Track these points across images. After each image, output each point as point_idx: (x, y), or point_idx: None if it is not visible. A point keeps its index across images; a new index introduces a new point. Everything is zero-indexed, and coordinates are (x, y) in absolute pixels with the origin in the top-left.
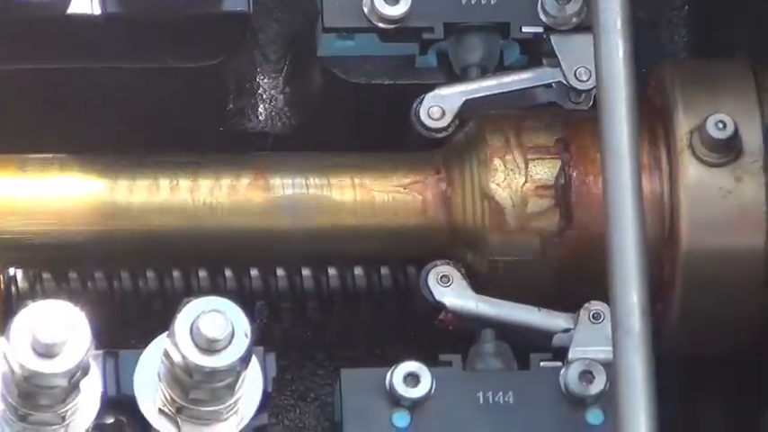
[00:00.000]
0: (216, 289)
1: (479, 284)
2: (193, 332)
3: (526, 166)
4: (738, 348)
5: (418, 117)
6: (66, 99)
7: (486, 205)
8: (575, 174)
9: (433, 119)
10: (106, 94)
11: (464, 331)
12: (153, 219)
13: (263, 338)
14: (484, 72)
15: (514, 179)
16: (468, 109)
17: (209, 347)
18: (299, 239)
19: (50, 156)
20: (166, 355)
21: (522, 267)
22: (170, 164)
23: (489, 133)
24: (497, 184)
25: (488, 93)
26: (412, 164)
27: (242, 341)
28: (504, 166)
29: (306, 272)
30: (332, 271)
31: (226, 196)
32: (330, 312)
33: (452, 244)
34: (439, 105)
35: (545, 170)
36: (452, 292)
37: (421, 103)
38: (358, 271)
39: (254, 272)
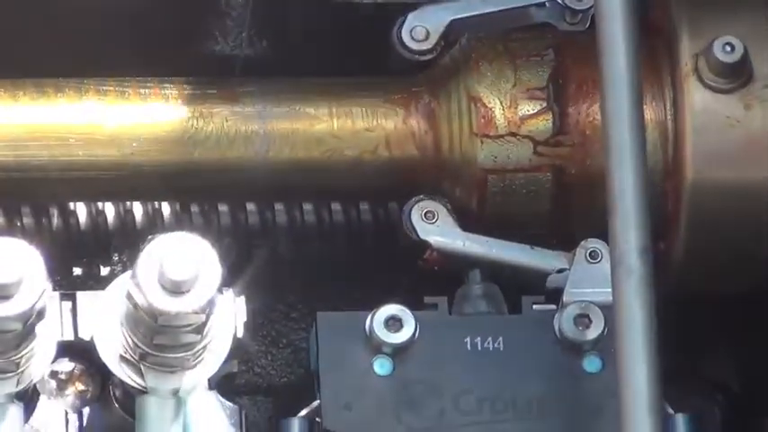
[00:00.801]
0: (181, 225)
1: (467, 222)
2: (158, 272)
3: (515, 70)
4: (747, 287)
5: (400, 38)
6: (22, 18)
7: (473, 110)
8: (568, 78)
9: (416, 40)
10: (64, 13)
11: (450, 272)
12: (112, 149)
13: (231, 279)
14: None
15: (503, 83)
16: (455, 30)
17: (176, 288)
18: (271, 172)
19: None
20: (129, 296)
21: (514, 193)
22: (130, 89)
23: (476, 42)
24: (485, 87)
25: (477, 11)
26: (395, 91)
27: (211, 281)
28: (492, 71)
29: (278, 207)
30: (306, 206)
31: (190, 125)
32: (304, 251)
33: (437, 177)
34: (423, 25)
35: (536, 74)
36: (438, 230)
37: (403, 23)
38: (334, 206)
39: (221, 207)
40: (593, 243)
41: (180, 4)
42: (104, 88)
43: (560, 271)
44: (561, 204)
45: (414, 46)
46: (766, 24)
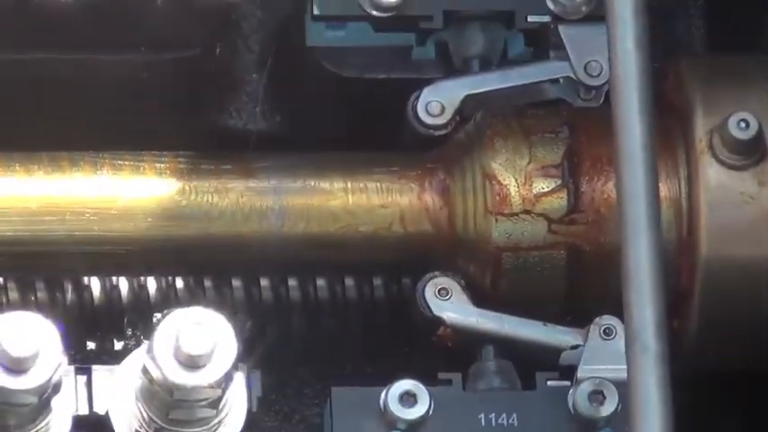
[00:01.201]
0: (195, 300)
1: (480, 297)
2: (174, 346)
3: (530, 147)
4: (760, 363)
5: (415, 112)
6: (33, 92)
7: (488, 187)
8: (583, 155)
9: (431, 115)
10: (77, 87)
11: (464, 348)
12: (127, 223)
13: (245, 354)
14: (486, 65)
15: (518, 160)
16: (470, 105)
17: (192, 363)
18: (285, 247)
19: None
20: (144, 371)
21: (528, 270)
22: (145, 163)
23: (491, 119)
24: (500, 164)
25: (492, 87)
26: (409, 166)
27: (227, 356)
28: (507, 147)
29: (292, 282)
30: (320, 281)
31: (204, 200)
32: (318, 326)
33: (451, 254)
34: (438, 100)
35: (550, 151)
36: (451, 306)
37: (418, 97)
38: (348, 281)
39: (235, 282)
40: (608, 320)
41: (194, 78)
42: (119, 162)
43: (574, 347)
44: (575, 281)
45: (429, 120)
46: None
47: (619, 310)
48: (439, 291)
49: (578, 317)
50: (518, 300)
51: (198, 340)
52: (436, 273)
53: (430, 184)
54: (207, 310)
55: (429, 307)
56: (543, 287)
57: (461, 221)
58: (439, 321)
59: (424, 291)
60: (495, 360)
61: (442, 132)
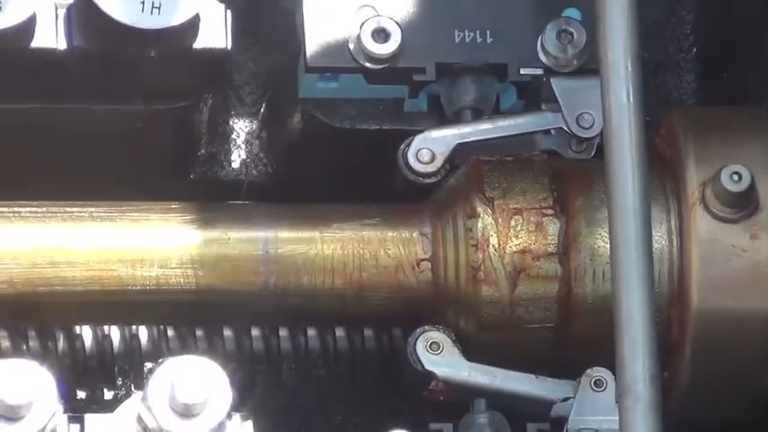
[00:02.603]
0: (186, 349)
1: (471, 350)
2: (169, 394)
3: (518, 233)
4: (751, 417)
5: (406, 160)
6: (25, 141)
7: (475, 269)
8: (570, 207)
9: (421, 162)
10: (69, 137)
11: (456, 401)
12: (118, 272)
13: (237, 404)
14: (478, 116)
15: (505, 248)
16: (461, 154)
17: (187, 412)
18: (275, 298)
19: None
20: (139, 419)
21: (518, 335)
22: (137, 213)
23: (477, 193)
24: (486, 254)
25: (483, 137)
26: (398, 218)
27: (221, 405)
28: (495, 233)
29: (282, 332)
30: (310, 332)
31: (196, 249)
32: (307, 377)
33: (441, 306)
34: (429, 148)
35: (538, 202)
36: (443, 361)
37: (409, 144)
38: (339, 332)
39: (226, 332)
40: (599, 371)
41: (187, 128)
42: (112, 212)
43: (565, 399)
44: (564, 333)
45: (419, 168)
46: None
47: (609, 361)
48: (430, 345)
49: (569, 368)
50: (508, 352)
51: (193, 388)
52: (427, 327)
53: (418, 235)
54: (202, 359)
55: (421, 362)
56: (532, 338)
57: (448, 281)
58: (431, 376)
59: (415, 345)
60: (486, 412)
61: (432, 180)
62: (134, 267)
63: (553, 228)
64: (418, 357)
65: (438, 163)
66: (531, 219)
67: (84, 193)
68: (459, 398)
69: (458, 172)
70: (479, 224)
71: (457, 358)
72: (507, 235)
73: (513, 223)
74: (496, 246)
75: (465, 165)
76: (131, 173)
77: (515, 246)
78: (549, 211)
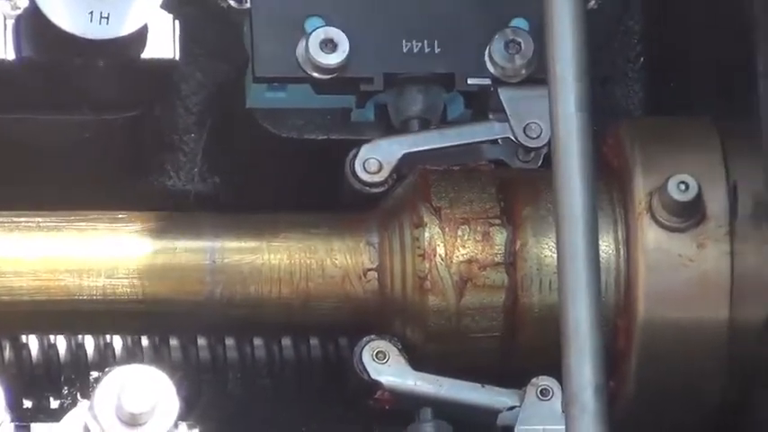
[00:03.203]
0: (132, 359)
1: (418, 359)
2: (116, 403)
3: (464, 243)
4: (697, 427)
5: (353, 169)
6: None
7: (422, 279)
8: (519, 244)
9: (368, 172)
10: (17, 147)
11: (402, 409)
12: (64, 282)
13: (184, 413)
14: (426, 125)
15: (452, 257)
16: (408, 163)
17: (133, 421)
18: (221, 307)
19: None
20: (85, 428)
21: (465, 345)
22: (84, 222)
23: (424, 203)
24: (432, 264)
25: (430, 146)
26: (345, 227)
27: (168, 413)
28: (441, 243)
29: (228, 342)
30: (257, 341)
31: (143, 259)
32: (253, 386)
33: (388, 316)
34: (376, 157)
35: (485, 210)
36: (389, 370)
37: (357, 154)
38: (285, 341)
39: (173, 341)
40: (545, 380)
41: (135, 139)
42: (59, 221)
43: (511, 408)
44: (511, 343)
45: (366, 178)
46: (720, 163)
47: (555, 371)
48: (376, 354)
49: (516, 378)
50: (454, 360)
51: (140, 397)
52: (373, 336)
53: (365, 244)
54: (149, 368)
55: (367, 371)
56: (478, 347)
57: (395, 290)
58: (377, 385)
59: (361, 355)
60: (432, 421)
61: (379, 190)
62: (81, 277)
63: (500, 237)
64: (364, 367)
65: (385, 173)
66: (478, 228)
67: (31, 204)
68: (405, 407)
69: (405, 181)
70: (426, 234)
71: (403, 367)
72: (454, 245)
73: (459, 233)
74: (443, 255)
75: (412, 174)
76: (80, 183)
77: (462, 255)
78: (496, 221)
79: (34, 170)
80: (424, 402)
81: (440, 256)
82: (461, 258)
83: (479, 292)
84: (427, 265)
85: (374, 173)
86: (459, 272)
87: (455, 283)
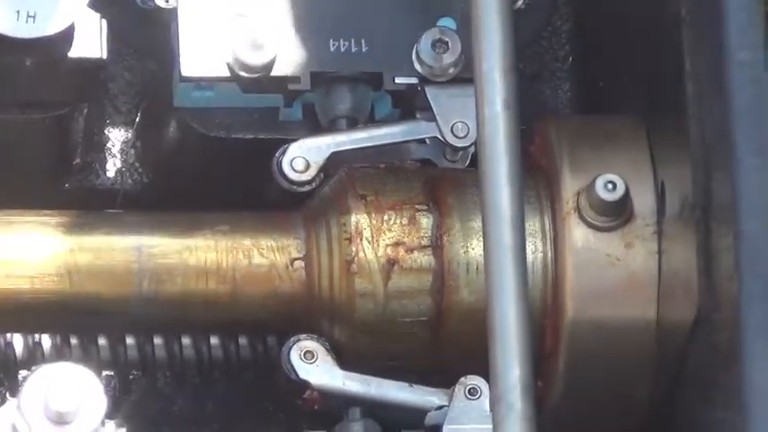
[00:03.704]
0: (61, 357)
1: (345, 358)
2: (44, 402)
3: (390, 227)
4: (625, 427)
5: (280, 168)
6: None
7: (348, 262)
8: (445, 227)
9: (296, 171)
10: None
11: (330, 409)
12: None
13: (112, 411)
14: (353, 124)
15: (378, 240)
16: (335, 162)
17: (61, 419)
18: (148, 306)
19: None
20: (13, 427)
21: (392, 330)
22: (11, 221)
23: (350, 192)
24: (359, 247)
25: (357, 145)
26: (270, 225)
27: (95, 412)
28: (368, 226)
29: (157, 341)
30: (185, 340)
31: (71, 257)
32: (182, 384)
33: (314, 314)
34: (303, 157)
35: (413, 224)
36: (317, 370)
37: (284, 153)
38: (213, 340)
39: (101, 340)
40: (473, 380)
41: (63, 138)
42: None
43: (440, 408)
44: (438, 329)
45: (293, 176)
46: (647, 162)
47: (483, 370)
48: (304, 354)
49: (445, 374)
50: (383, 360)
51: (67, 396)
52: (301, 336)
53: (293, 241)
54: (76, 366)
55: (295, 371)
56: (407, 355)
57: (322, 279)
58: (305, 385)
59: (289, 354)
60: (360, 420)
61: (306, 189)
62: (7, 275)
63: (426, 222)
64: (292, 366)
65: (312, 171)
66: (404, 213)
67: None
68: (334, 406)
69: (331, 179)
70: (352, 219)
71: (331, 367)
72: (380, 228)
73: (386, 218)
74: (369, 238)
75: (339, 172)
76: (6, 182)
77: (388, 239)
78: (423, 207)
79: None
80: (353, 402)
81: (366, 239)
82: (388, 242)
83: (406, 275)
84: (354, 249)
85: (301, 171)
86: (386, 254)
87: (382, 266)
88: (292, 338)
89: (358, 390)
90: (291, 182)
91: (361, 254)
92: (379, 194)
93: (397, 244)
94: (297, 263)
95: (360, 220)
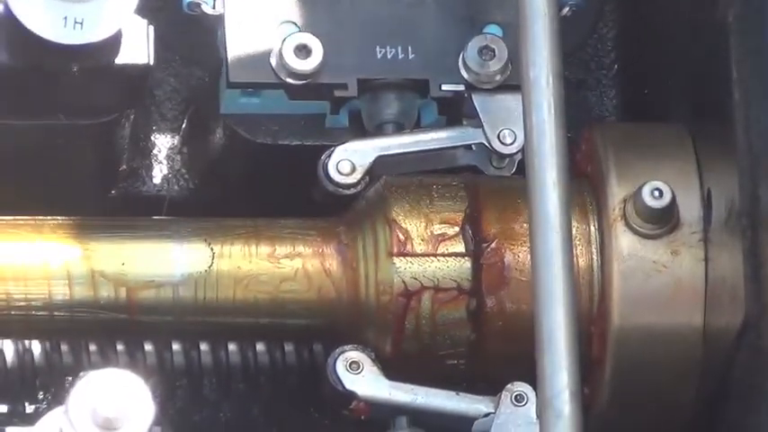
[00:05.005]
0: (107, 363)
1: (391, 367)
2: (92, 407)
3: (433, 233)
4: None
5: (326, 171)
6: None
7: (389, 285)
8: (488, 241)
9: (341, 173)
10: None
11: (377, 418)
12: (41, 287)
13: (158, 417)
14: (399, 130)
15: (421, 247)
16: (381, 167)
17: (109, 425)
18: (197, 312)
19: None
20: None
21: (436, 346)
22: (59, 228)
23: (393, 198)
24: (402, 258)
25: (403, 150)
26: (314, 231)
27: (144, 418)
28: (410, 233)
29: (203, 347)
30: (231, 346)
31: (118, 265)
32: (228, 391)
33: (358, 321)
34: (349, 159)
35: (453, 216)
36: (363, 380)
37: (330, 155)
38: (259, 346)
39: (147, 346)
40: (520, 386)
41: (109, 144)
42: (35, 226)
43: (486, 415)
44: (483, 355)
45: (338, 179)
46: (694, 170)
47: (529, 377)
48: (350, 365)
49: (491, 384)
50: (429, 370)
51: (115, 402)
52: (346, 347)
53: (336, 249)
54: (124, 372)
55: (341, 382)
56: (452, 365)
57: (363, 285)
58: (352, 396)
59: (335, 365)
60: (407, 429)
61: (351, 192)
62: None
63: (469, 228)
64: (338, 377)
65: (358, 175)
66: (447, 220)
67: (5, 208)
68: (380, 416)
69: (373, 186)
70: (395, 225)
71: (377, 377)
72: (422, 235)
73: (428, 224)
74: (412, 245)
75: (381, 179)
76: (54, 189)
77: (431, 245)
78: (465, 214)
79: (7, 176)
80: (400, 411)
81: (409, 245)
82: (431, 248)
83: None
84: (392, 276)
85: (347, 174)
86: (429, 281)
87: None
88: (337, 350)
89: (404, 399)
90: (337, 184)
91: (397, 264)
92: (422, 202)
93: (438, 262)
94: (337, 269)
95: (402, 226)
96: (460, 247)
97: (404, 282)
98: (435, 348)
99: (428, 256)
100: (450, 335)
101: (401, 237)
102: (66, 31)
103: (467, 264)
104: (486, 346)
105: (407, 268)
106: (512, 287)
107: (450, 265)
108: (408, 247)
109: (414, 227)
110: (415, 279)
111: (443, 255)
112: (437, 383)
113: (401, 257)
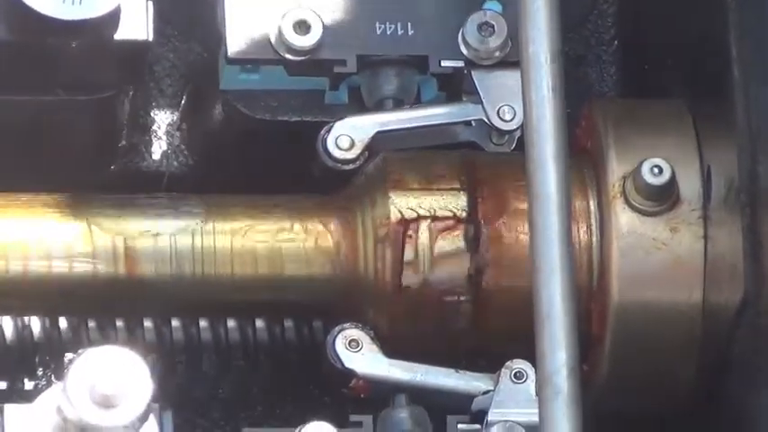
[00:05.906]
0: (106, 340)
1: (389, 343)
2: (90, 385)
3: (431, 209)
4: (667, 407)
5: (325, 146)
6: None
7: (387, 251)
8: (487, 215)
9: (340, 149)
10: None
11: (376, 395)
12: (42, 262)
13: (157, 394)
14: (399, 106)
15: (419, 222)
16: (380, 142)
17: (107, 402)
18: (195, 288)
19: None
20: (58, 410)
21: (434, 319)
22: (58, 203)
23: (391, 174)
24: (397, 192)
25: (402, 126)
26: (313, 207)
27: (142, 395)
28: (408, 208)
29: (202, 323)
30: (230, 323)
31: (116, 240)
32: (228, 367)
33: (357, 297)
34: (348, 135)
35: (452, 193)
36: (363, 358)
37: (329, 131)
38: (259, 323)
39: (146, 322)
40: (519, 363)
41: (108, 120)
42: (32, 202)
43: (486, 392)
44: (482, 328)
45: (337, 154)
46: (693, 147)
47: (529, 354)
48: (349, 343)
49: (491, 361)
50: (427, 346)
51: (113, 379)
52: (345, 325)
53: (335, 225)
54: (122, 349)
55: (340, 360)
56: (450, 340)
57: (362, 259)
58: (351, 373)
59: (334, 343)
60: (406, 406)
61: (350, 167)
62: (51, 257)
63: (466, 203)
64: (338, 355)
65: (357, 150)
66: (446, 195)
67: (3, 183)
68: (380, 392)
69: (372, 162)
70: (393, 200)
71: (376, 354)
72: (420, 211)
73: (426, 200)
74: (410, 220)
75: (378, 156)
76: (52, 164)
77: (429, 220)
78: (463, 189)
79: (5, 151)
80: (399, 389)
81: (406, 221)
82: (429, 224)
83: (448, 256)
84: (389, 243)
85: (346, 150)
86: (427, 236)
87: (423, 247)
88: (337, 328)
89: (403, 376)
90: (336, 160)
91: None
92: (420, 176)
93: (437, 224)
94: (336, 245)
95: (401, 201)
96: (459, 223)
97: (400, 212)
98: (434, 321)
99: (424, 190)
100: (448, 307)
101: (399, 211)
102: (65, 7)
103: (463, 197)
104: (485, 319)
105: (404, 201)
106: (513, 263)
107: (447, 197)
108: (406, 222)
109: (412, 203)
110: (412, 210)
111: (439, 189)
112: (436, 362)
113: (397, 191)
